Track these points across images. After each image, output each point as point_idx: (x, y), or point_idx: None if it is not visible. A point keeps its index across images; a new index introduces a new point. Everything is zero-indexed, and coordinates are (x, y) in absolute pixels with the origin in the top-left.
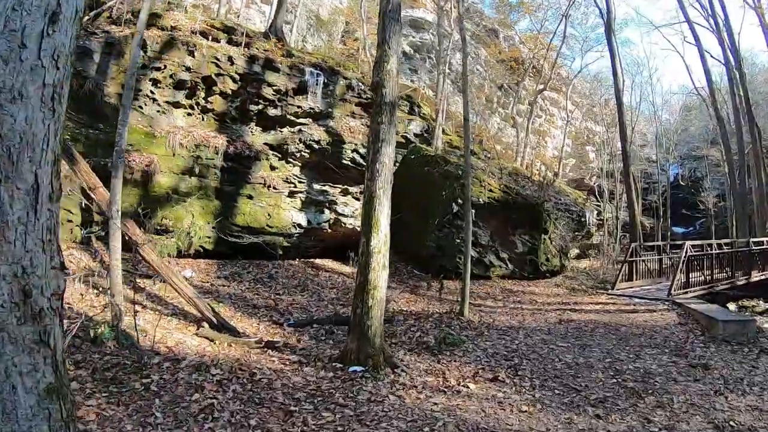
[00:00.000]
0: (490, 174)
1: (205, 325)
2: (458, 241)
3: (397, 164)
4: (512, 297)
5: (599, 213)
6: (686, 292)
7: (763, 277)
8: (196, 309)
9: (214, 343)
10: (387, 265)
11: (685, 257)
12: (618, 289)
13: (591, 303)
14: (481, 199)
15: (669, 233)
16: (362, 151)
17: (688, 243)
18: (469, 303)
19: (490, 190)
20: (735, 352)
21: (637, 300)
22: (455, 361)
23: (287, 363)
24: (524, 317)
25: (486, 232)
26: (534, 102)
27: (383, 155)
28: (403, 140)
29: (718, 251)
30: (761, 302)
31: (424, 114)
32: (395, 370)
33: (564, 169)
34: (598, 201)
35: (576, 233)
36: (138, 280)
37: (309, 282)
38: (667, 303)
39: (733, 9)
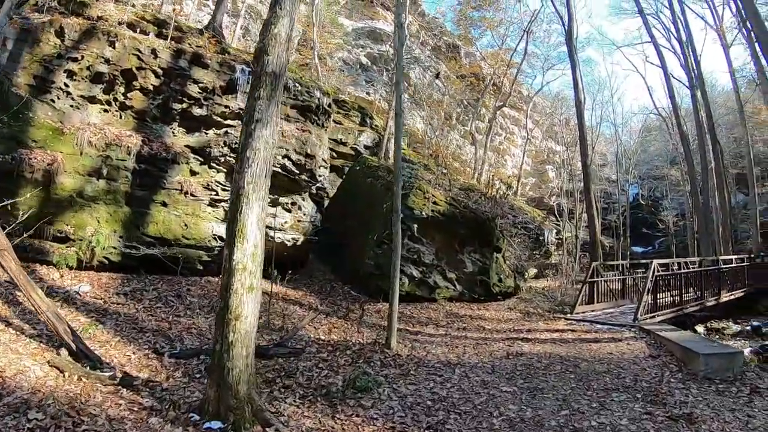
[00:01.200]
0: (437, 185)
1: (63, 351)
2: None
3: (344, 176)
4: (458, 323)
5: (558, 232)
6: (654, 316)
7: (732, 297)
8: (55, 331)
9: (63, 375)
10: (257, 287)
11: (652, 278)
12: (578, 313)
13: (547, 330)
14: (424, 212)
15: (628, 253)
16: (294, 157)
17: (656, 262)
18: (406, 330)
19: (435, 203)
20: (722, 394)
21: (599, 326)
22: (358, 415)
23: (135, 409)
24: (466, 349)
25: (430, 250)
26: (493, 119)
27: (257, 140)
28: (353, 152)
29: (687, 270)
30: (731, 323)
31: (376, 126)
32: (267, 429)
33: (523, 188)
34: (557, 220)
35: (534, 252)
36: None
37: None
38: (633, 330)
39: (694, 30)
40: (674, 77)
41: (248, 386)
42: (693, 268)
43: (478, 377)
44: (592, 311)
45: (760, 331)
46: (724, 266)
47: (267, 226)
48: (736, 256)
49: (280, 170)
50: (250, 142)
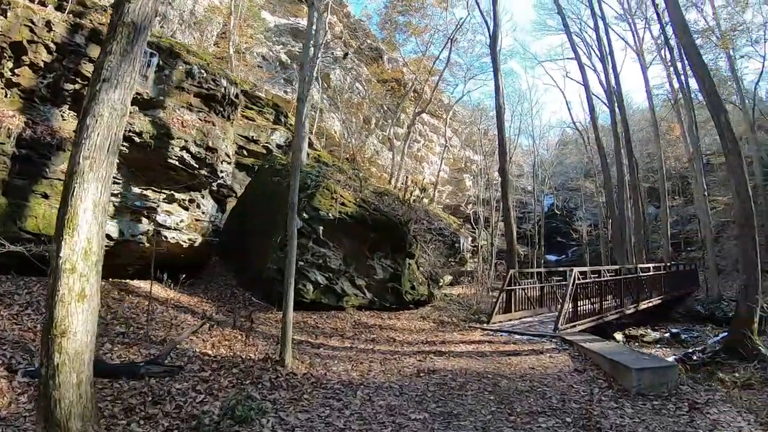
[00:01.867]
0: (347, 186)
1: None
2: (302, 263)
3: (253, 176)
4: (366, 334)
5: (474, 239)
6: (574, 326)
7: (650, 305)
8: None
9: None
10: (91, 294)
11: (572, 286)
12: (495, 323)
13: (462, 342)
14: (331, 214)
15: (543, 261)
16: (194, 149)
17: (576, 270)
18: (308, 343)
19: (344, 204)
20: (660, 413)
21: (518, 337)
22: None
23: None
24: (372, 365)
25: (338, 254)
26: (412, 125)
27: (101, 104)
28: (265, 150)
29: (607, 278)
30: (650, 330)
31: (291, 125)
32: None
33: (440, 195)
34: (473, 228)
35: (449, 259)
36: None
37: (105, 310)
38: (554, 340)
39: (615, 50)
40: (594, 94)
41: (84, 422)
42: (612, 276)
43: (383, 401)
44: (510, 320)
45: (679, 337)
46: (643, 274)
47: (161, 225)
48: (653, 265)
49: (177, 163)
50: (92, 106)
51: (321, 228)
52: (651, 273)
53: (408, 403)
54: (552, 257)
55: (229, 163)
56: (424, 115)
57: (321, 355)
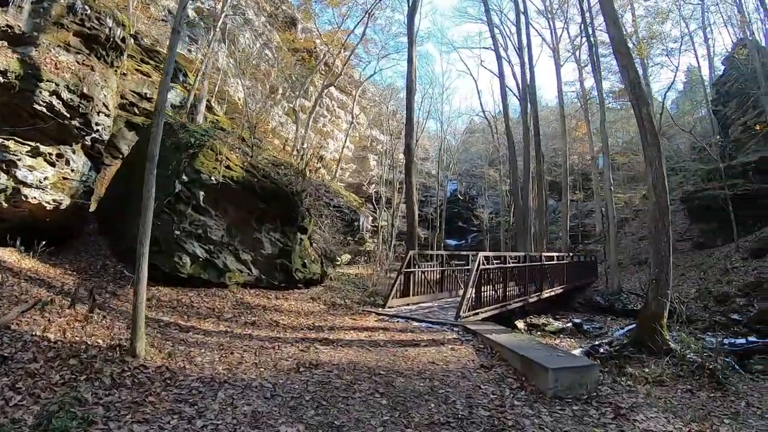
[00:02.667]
0: (236, 149)
1: None
2: (178, 232)
3: (140, 136)
4: (247, 315)
5: (375, 219)
6: (477, 313)
7: (552, 294)
8: None
9: None
10: None
11: (477, 270)
12: (391, 307)
13: (354, 328)
14: (214, 177)
15: (443, 245)
16: (66, 96)
17: (482, 254)
18: (176, 326)
19: (229, 167)
20: (582, 420)
21: (416, 324)
22: None
23: None
24: (245, 356)
25: (221, 225)
26: (320, 97)
27: None
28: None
29: (513, 265)
30: (551, 320)
31: (189, 84)
32: None
33: (343, 173)
34: (375, 208)
35: (348, 238)
36: None
37: None
38: (456, 329)
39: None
40: (508, 88)
41: None
42: (517, 263)
43: (249, 406)
44: (408, 305)
45: (582, 328)
46: (547, 263)
47: (21, 182)
48: (556, 254)
49: (45, 110)
50: None
51: (202, 193)
52: (554, 262)
53: (280, 409)
54: (452, 241)
55: (107, 116)
56: (333, 91)
57: (188, 342)
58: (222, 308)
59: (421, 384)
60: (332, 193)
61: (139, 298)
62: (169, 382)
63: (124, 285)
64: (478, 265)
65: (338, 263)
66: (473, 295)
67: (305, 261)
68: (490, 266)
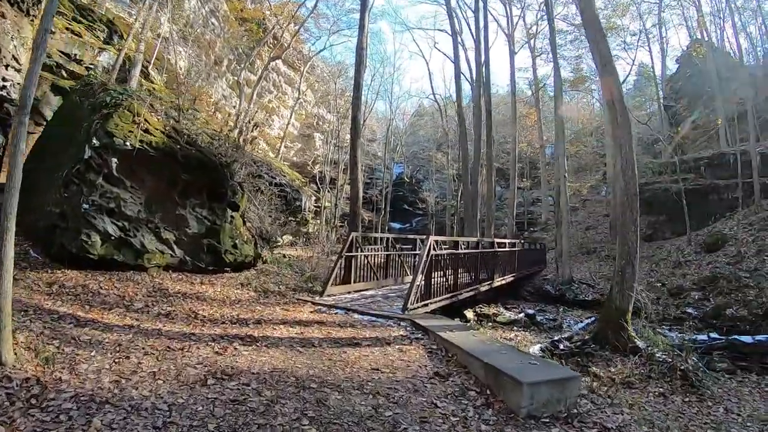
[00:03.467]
0: (158, 112)
1: None
2: (87, 206)
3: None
4: (162, 304)
5: (318, 200)
6: (426, 304)
7: (503, 282)
8: None
9: None
10: None
11: (428, 256)
12: (331, 295)
13: (285, 322)
14: (129, 142)
15: (387, 228)
16: None
17: (433, 238)
18: (74, 319)
19: (147, 131)
20: None
21: (358, 317)
22: None
23: None
24: (144, 361)
25: (137, 198)
26: (265, 69)
27: None
28: (87, 72)
29: (466, 251)
30: (502, 309)
31: (123, 47)
32: None
33: (288, 152)
34: (318, 188)
35: (289, 218)
36: None
37: None
38: (404, 324)
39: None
40: (463, 74)
41: None
42: (468, 249)
43: None
44: (348, 293)
45: (535, 319)
46: (500, 250)
47: None
48: (508, 240)
49: None
50: None
51: (115, 161)
52: (507, 249)
53: None
54: (396, 225)
55: (18, 70)
56: (280, 65)
57: (79, 341)
58: (134, 296)
59: (363, 402)
60: (274, 170)
61: (3, 287)
62: (34, 402)
63: (25, 268)
64: (429, 250)
65: (277, 244)
66: (422, 284)
67: (236, 242)
68: (441, 252)
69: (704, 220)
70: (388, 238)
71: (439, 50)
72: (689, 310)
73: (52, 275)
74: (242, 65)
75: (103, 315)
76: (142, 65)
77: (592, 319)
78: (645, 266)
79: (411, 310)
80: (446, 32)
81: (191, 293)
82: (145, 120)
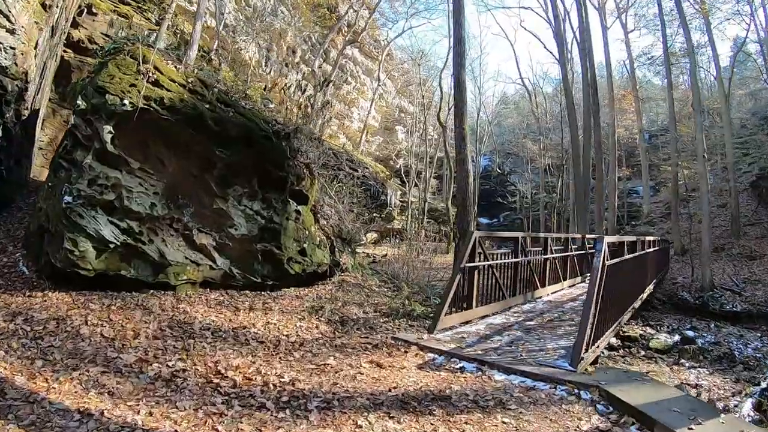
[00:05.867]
0: (172, 56)
1: None
2: (70, 199)
3: None
4: (171, 355)
5: (404, 194)
6: (597, 346)
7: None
8: None
9: None
10: None
11: (603, 270)
12: (445, 330)
13: (377, 400)
14: (127, 100)
15: (476, 224)
16: None
17: (607, 239)
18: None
19: (158, 83)
20: None
21: (500, 378)
22: None
23: None
24: None
25: (151, 186)
26: (340, 55)
27: None
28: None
29: (631, 256)
30: (647, 329)
31: (181, 31)
32: None
33: (370, 146)
34: (403, 183)
35: (374, 214)
36: None
37: None
38: (589, 397)
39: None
40: (548, 49)
41: None
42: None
43: None
44: (469, 323)
45: (694, 342)
46: (650, 250)
47: None
48: (647, 238)
49: None
50: None
51: (109, 130)
52: (651, 249)
53: None
54: (484, 220)
55: (11, 32)
56: (357, 55)
57: None
58: (133, 337)
59: None
60: (356, 162)
61: None
62: None
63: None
64: (603, 258)
65: (361, 244)
66: (594, 319)
67: (305, 246)
68: (615, 260)
69: None
70: (518, 238)
71: (525, 29)
72: None
73: (27, 300)
74: (316, 54)
75: (56, 382)
76: (203, 51)
77: None
78: None
79: (585, 361)
80: (531, 9)
81: (228, 329)
82: (156, 68)
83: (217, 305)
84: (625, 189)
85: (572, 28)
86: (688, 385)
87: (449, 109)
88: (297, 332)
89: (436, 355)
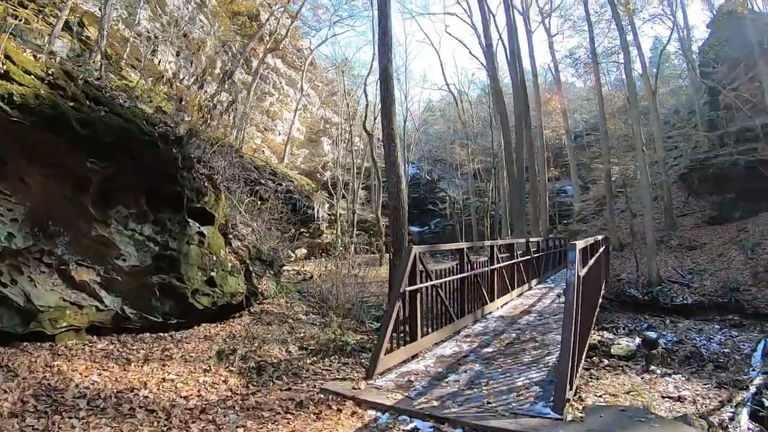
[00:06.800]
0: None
1: None
2: None
3: None
4: (57, 425)
5: (331, 207)
6: (578, 375)
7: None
8: None
9: None
10: None
11: (579, 285)
12: (387, 372)
13: None
14: None
15: (407, 232)
16: None
17: (579, 244)
18: None
19: (6, 75)
20: None
21: None
22: None
23: None
24: None
25: (7, 209)
26: (261, 63)
27: None
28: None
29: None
30: (605, 333)
31: (87, 38)
32: None
33: (295, 159)
34: (330, 195)
35: (301, 230)
36: None
37: None
38: None
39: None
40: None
41: None
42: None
43: None
44: (416, 360)
45: (656, 343)
46: (602, 249)
47: None
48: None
49: None
50: None
51: None
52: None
53: None
54: (415, 228)
55: None
56: (279, 65)
57: None
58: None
59: None
60: (279, 175)
61: None
62: None
63: None
64: (578, 271)
65: (289, 261)
66: (576, 344)
67: (213, 274)
68: (586, 268)
69: None
70: (462, 250)
71: (450, 34)
72: None
73: None
74: (236, 64)
75: None
76: (113, 60)
77: (764, 338)
78: (735, 255)
79: (572, 405)
80: (456, 15)
81: (110, 393)
82: (6, 57)
83: (105, 358)
84: (554, 189)
85: (498, 31)
86: (670, 398)
87: (375, 118)
88: (199, 391)
89: (379, 413)
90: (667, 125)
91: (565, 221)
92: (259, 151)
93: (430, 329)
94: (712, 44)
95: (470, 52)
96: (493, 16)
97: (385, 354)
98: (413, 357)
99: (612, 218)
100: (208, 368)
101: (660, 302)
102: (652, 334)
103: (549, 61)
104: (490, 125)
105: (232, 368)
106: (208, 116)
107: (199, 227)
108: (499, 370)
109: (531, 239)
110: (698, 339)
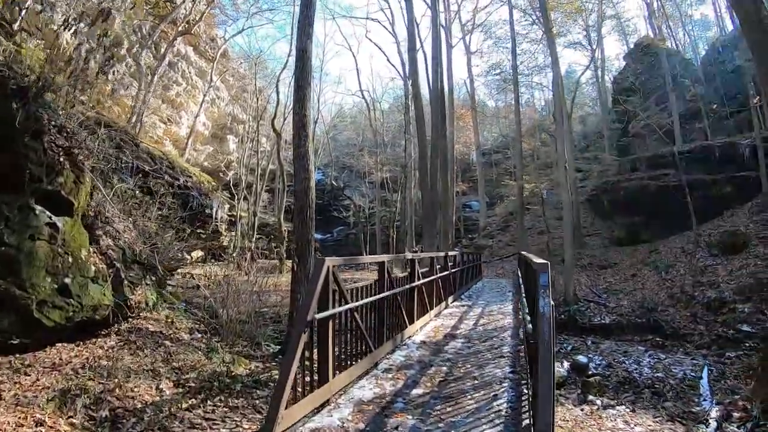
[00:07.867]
0: None
1: None
2: None
3: None
4: None
5: (232, 207)
6: None
7: None
8: None
9: None
10: None
11: (554, 314)
12: (293, 427)
13: None
14: None
15: (313, 239)
16: None
17: (542, 261)
18: None
19: None
20: None
21: None
22: None
23: None
24: None
25: None
26: (170, 46)
27: None
28: None
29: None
30: None
31: None
32: None
33: (199, 156)
34: (232, 195)
35: (197, 230)
36: None
37: None
38: None
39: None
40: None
41: None
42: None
43: None
44: (328, 410)
45: (586, 369)
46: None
47: None
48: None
49: None
50: None
51: None
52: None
53: None
54: (318, 235)
55: None
56: (190, 53)
57: None
58: None
59: None
60: (177, 169)
61: None
62: None
63: None
64: (551, 304)
65: (182, 265)
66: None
67: (68, 280)
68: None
69: (689, 219)
70: (382, 263)
71: (371, 40)
72: (745, 328)
73: None
74: (144, 47)
75: None
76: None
77: (705, 364)
78: (648, 274)
79: None
80: (378, 21)
81: None
82: None
83: None
84: (460, 204)
85: (421, 40)
86: None
87: (284, 119)
88: None
89: None
90: (575, 149)
91: (470, 236)
92: (161, 143)
93: (344, 364)
94: (626, 75)
95: (388, 60)
96: (417, 25)
97: (285, 408)
98: (324, 405)
99: (524, 234)
100: (43, 418)
101: (578, 321)
102: (582, 359)
103: (465, 77)
104: (404, 131)
105: (75, 420)
106: (77, 70)
107: (50, 217)
108: (440, 425)
109: (450, 253)
110: (627, 362)
